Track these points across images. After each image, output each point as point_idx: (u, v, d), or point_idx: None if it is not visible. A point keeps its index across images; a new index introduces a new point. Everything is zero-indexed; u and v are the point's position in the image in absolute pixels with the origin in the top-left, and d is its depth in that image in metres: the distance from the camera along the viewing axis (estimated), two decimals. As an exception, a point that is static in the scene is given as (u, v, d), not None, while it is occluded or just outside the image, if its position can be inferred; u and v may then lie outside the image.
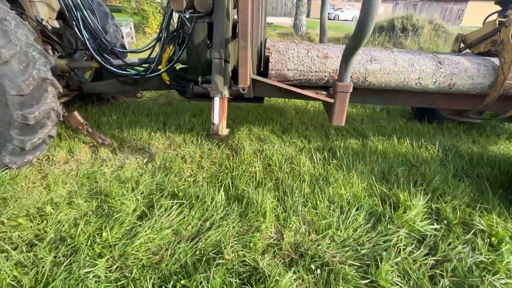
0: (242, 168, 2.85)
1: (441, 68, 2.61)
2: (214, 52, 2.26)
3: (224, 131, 2.44)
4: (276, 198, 2.45)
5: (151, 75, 3.06)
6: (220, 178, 2.73)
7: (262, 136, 3.60)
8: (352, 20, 36.15)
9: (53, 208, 2.25)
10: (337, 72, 2.67)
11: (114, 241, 1.96)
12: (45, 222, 2.12)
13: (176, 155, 3.10)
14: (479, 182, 2.80)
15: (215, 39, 2.27)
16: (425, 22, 10.70)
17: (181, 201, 2.36)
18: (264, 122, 3.97)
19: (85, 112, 4.00)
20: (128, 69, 3.36)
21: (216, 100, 2.33)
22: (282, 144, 3.42)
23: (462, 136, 3.82)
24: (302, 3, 12.40)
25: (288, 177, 2.74)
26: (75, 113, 2.99)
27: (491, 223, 2.24)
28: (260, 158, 3.04)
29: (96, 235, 2.00)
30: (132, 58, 3.29)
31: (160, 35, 2.85)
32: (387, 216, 2.27)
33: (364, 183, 2.69)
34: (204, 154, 3.15)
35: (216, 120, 2.37)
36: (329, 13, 31.99)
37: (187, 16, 2.53)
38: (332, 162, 2.99)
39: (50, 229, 2.05)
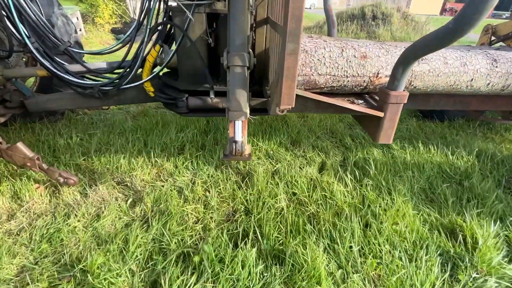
0: (262, 202, 2.21)
1: (496, 67, 2.19)
2: (233, 58, 1.57)
3: (248, 149, 1.79)
4: (323, 248, 1.87)
5: (128, 85, 2.24)
6: (239, 221, 2.07)
7: (271, 152, 2.98)
8: (310, 8, 36.30)
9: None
10: (379, 76, 2.13)
11: None
12: None
13: (171, 189, 2.36)
14: (526, 194, 2.50)
15: (234, 38, 1.57)
16: (394, 10, 10.68)
17: (197, 270, 1.68)
18: (266, 132, 3.34)
19: (31, 132, 3.01)
20: (92, 77, 2.50)
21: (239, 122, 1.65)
22: (296, 160, 2.83)
23: (479, 135, 3.57)
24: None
25: (325, 211, 2.17)
26: (19, 144, 2.09)
27: None
28: (279, 184, 2.43)
29: None
30: (96, 63, 2.41)
31: (143, 27, 2.07)
32: (464, 257, 1.82)
33: (413, 209, 2.22)
34: (206, 185, 2.44)
35: (239, 137, 1.70)
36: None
37: (184, 2, 1.78)
38: (365, 183, 2.49)
39: None
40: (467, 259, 1.80)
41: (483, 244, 1.87)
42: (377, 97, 2.10)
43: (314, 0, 39.02)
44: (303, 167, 2.71)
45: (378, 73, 2.13)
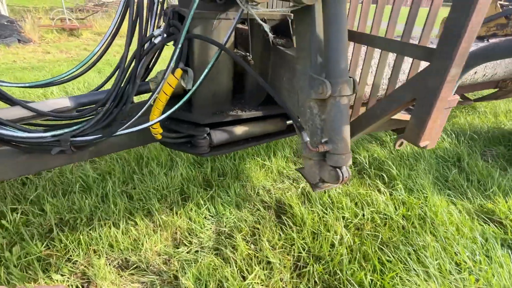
0: (324, 239, 1.90)
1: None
2: (340, 86, 1.15)
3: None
4: (423, 277, 1.70)
5: (127, 130, 1.51)
6: (312, 272, 1.71)
7: (283, 170, 2.63)
8: None
9: None
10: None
11: None
12: None
13: (207, 255, 1.79)
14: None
15: (338, 60, 1.15)
16: None
17: None
18: (267, 149, 2.94)
19: None
20: (37, 123, 1.62)
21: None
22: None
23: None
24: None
25: (386, 230, 2.01)
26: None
27: None
28: (325, 211, 2.14)
29: None
30: (51, 100, 1.53)
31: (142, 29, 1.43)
32: (520, 243, 1.96)
33: (448, 203, 2.30)
34: (245, 234, 1.95)
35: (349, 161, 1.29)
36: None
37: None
38: (396, 186, 2.45)
39: None
40: (525, 243, 1.95)
41: (524, 224, 2.06)
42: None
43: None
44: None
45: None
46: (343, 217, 2.11)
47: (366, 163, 2.75)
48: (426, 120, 1.09)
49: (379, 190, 2.40)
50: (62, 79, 1.63)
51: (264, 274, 1.71)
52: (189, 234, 1.95)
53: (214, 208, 2.15)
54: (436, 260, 1.78)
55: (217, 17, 1.43)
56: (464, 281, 1.68)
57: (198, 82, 1.45)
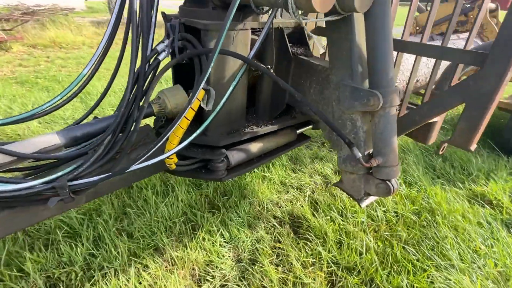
0: (351, 250, 1.86)
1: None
2: (391, 97, 1.09)
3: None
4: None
5: (138, 166, 1.28)
6: (347, 285, 1.66)
7: (285, 180, 2.54)
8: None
9: None
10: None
11: None
12: None
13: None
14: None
15: (387, 71, 1.08)
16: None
17: None
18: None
19: None
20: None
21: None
22: (317, 179, 2.54)
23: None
24: (112, -19, 9.80)
25: (413, 230, 2.05)
26: None
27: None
28: (346, 217, 2.10)
29: None
30: (40, 137, 1.23)
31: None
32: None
33: (443, 190, 2.43)
34: (269, 257, 1.82)
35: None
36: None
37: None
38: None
39: None
40: (520, 221, 2.14)
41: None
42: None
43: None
44: (330, 184, 2.47)
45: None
46: (361, 222, 2.10)
47: (361, 162, 2.80)
48: (479, 123, 1.09)
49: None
50: (45, 110, 1.33)
51: (303, 298, 1.60)
52: (208, 267, 1.76)
53: (228, 232, 1.98)
54: (456, 251, 1.86)
55: (236, 28, 1.29)
56: (485, 267, 1.77)
57: (222, 102, 1.29)
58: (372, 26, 1.05)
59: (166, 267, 1.73)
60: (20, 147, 1.22)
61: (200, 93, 1.24)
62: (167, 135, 1.22)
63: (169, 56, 1.41)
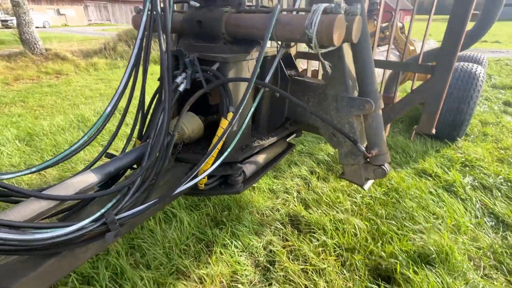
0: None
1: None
2: (379, 102, 1.46)
3: None
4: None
5: (182, 188, 1.39)
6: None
7: (274, 186, 2.79)
8: (45, 27, 30.16)
9: None
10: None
11: None
12: None
13: (267, 288, 1.78)
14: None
15: (365, 78, 1.46)
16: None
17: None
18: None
19: None
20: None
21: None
22: (314, 181, 2.86)
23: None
24: (23, 10, 8.92)
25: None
26: None
27: None
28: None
29: None
30: (74, 179, 1.24)
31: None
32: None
33: (396, 171, 3.00)
34: (298, 262, 2.03)
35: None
36: (7, 21, 24.23)
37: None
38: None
39: None
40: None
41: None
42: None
43: (47, 17, 32.91)
44: (339, 191, 2.81)
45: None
46: (347, 210, 2.47)
47: (330, 160, 3.23)
48: (436, 114, 1.54)
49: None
50: (75, 150, 1.34)
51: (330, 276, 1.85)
52: (234, 277, 1.88)
53: (240, 242, 2.12)
54: (422, 216, 2.35)
55: (247, 59, 1.52)
56: (443, 223, 2.30)
57: (246, 121, 1.50)
58: (360, 53, 1.42)
59: (195, 286, 1.79)
60: (62, 190, 1.23)
61: (230, 115, 1.43)
62: (208, 157, 1.37)
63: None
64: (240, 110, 1.36)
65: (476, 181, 2.88)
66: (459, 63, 3.17)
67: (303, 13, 1.34)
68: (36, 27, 9.88)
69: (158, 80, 1.59)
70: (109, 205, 1.30)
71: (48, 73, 8.14)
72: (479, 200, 2.61)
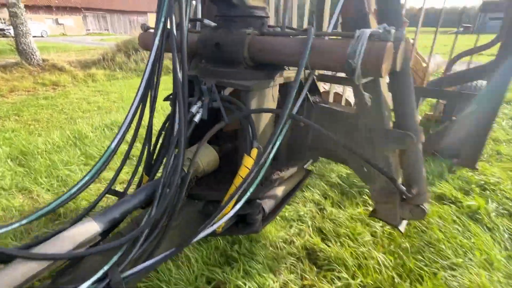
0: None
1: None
2: (416, 135, 1.30)
3: None
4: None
5: (202, 234, 1.20)
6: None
7: (286, 213, 2.60)
8: (42, 36, 29.98)
9: None
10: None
11: None
12: None
13: None
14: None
15: (405, 110, 1.30)
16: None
17: None
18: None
19: None
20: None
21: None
22: (327, 207, 2.67)
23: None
24: (20, 20, 8.78)
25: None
26: None
27: None
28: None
29: None
30: (73, 229, 1.05)
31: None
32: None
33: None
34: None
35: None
36: (4, 30, 24.05)
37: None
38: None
39: None
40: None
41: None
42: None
43: (45, 27, 32.79)
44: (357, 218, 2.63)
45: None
46: (367, 242, 2.27)
47: (342, 183, 3.05)
48: (482, 148, 1.38)
49: (368, 203, 2.71)
50: (74, 193, 1.15)
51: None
52: (250, 325, 1.67)
53: (255, 282, 1.91)
54: (449, 249, 2.17)
55: (270, 86, 1.36)
56: (474, 257, 2.12)
57: (270, 158, 1.32)
58: (402, 85, 1.26)
59: None
60: (58, 244, 1.03)
61: (253, 152, 1.25)
62: (230, 201, 1.18)
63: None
64: (269, 149, 1.18)
65: (501, 207, 2.71)
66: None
67: (340, 37, 1.18)
68: (34, 36, 9.73)
69: (165, 99, 1.42)
70: (114, 259, 1.10)
71: (45, 85, 7.94)
72: (506, 229, 2.44)
